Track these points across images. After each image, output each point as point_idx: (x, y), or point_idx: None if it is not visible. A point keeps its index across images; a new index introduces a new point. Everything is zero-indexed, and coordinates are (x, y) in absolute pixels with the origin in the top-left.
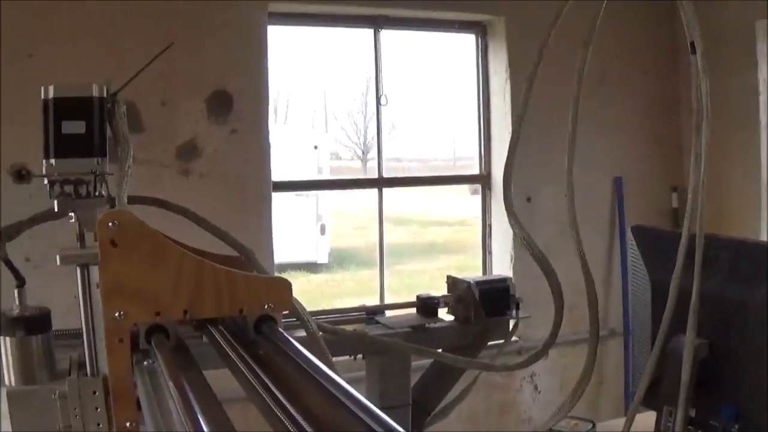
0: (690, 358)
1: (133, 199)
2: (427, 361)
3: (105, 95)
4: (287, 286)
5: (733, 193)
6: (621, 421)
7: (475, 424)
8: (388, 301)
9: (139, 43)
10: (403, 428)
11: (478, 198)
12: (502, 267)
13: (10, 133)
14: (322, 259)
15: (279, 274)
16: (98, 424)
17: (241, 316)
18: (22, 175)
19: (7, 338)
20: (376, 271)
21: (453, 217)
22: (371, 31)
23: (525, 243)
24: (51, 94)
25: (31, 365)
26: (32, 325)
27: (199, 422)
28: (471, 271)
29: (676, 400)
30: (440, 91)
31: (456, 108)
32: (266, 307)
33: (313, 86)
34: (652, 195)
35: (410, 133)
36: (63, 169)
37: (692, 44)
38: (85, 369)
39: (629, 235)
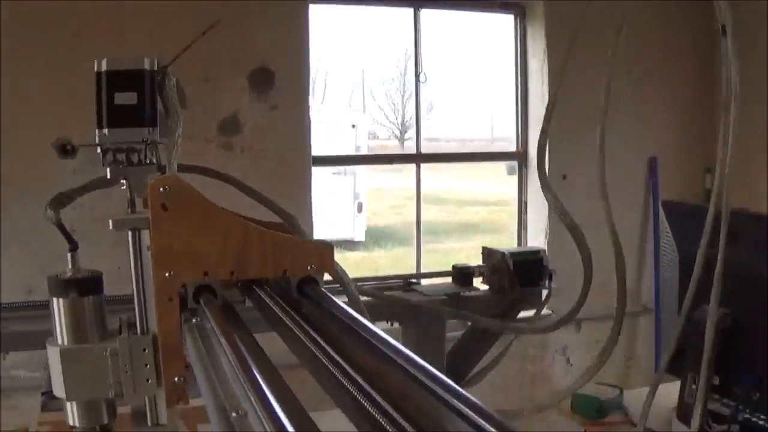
0: (713, 326)
1: (181, 168)
2: (461, 332)
3: (156, 68)
4: (330, 249)
5: (764, 174)
6: (646, 389)
7: (508, 395)
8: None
9: (183, 22)
10: None
11: (515, 178)
12: (537, 243)
13: (53, 110)
14: (359, 236)
15: None
16: (147, 380)
17: (285, 278)
18: (66, 150)
19: (61, 299)
20: (412, 249)
21: (489, 197)
22: (411, 10)
23: (558, 213)
24: (104, 67)
25: (83, 325)
26: (84, 286)
27: (256, 377)
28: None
29: (699, 368)
30: (478, 70)
31: (494, 88)
32: (309, 268)
33: (352, 65)
34: (687, 175)
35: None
36: (115, 138)
37: (723, 27)
38: (135, 328)
39: (661, 211)
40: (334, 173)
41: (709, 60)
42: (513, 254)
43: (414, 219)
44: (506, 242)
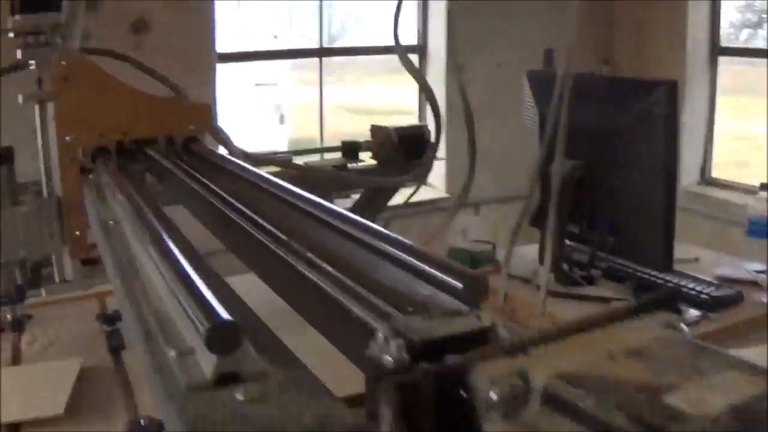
0: (558, 174)
1: (84, 51)
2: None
3: None
4: (209, 108)
5: (661, 63)
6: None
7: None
8: None
9: None
10: None
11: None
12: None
13: None
14: (282, 148)
15: None
16: (53, 236)
17: (170, 138)
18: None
19: None
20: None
21: (392, 106)
22: None
23: (403, 62)
24: None
25: None
26: None
27: (149, 218)
28: None
29: (557, 219)
30: None
31: None
32: (191, 128)
33: None
34: (583, 67)
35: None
36: (26, 22)
37: None
38: (42, 192)
39: (524, 80)
40: (257, 84)
41: None
42: (398, 129)
43: (341, 130)
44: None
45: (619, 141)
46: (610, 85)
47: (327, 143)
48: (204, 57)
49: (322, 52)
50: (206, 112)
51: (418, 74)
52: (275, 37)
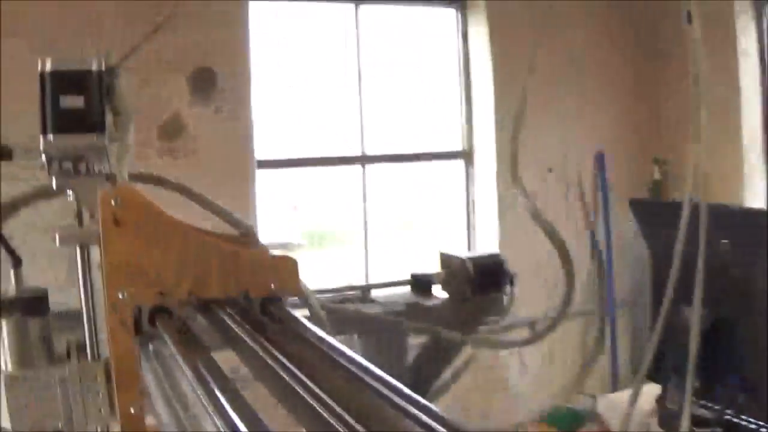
0: (697, 328)
1: (131, 177)
2: (421, 341)
3: (103, 68)
4: (294, 264)
5: (715, 158)
6: (621, 395)
7: (465, 402)
8: (372, 278)
9: (120, 22)
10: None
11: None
12: (487, 243)
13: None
14: (296, 238)
15: None
16: (100, 410)
17: (246, 297)
18: (2, 154)
19: (3, 321)
20: (352, 249)
21: (422, 195)
22: (352, 6)
23: (533, 215)
24: (48, 68)
25: (28, 349)
26: (29, 306)
27: (223, 406)
28: (447, 247)
29: (681, 371)
30: (418, 67)
31: (434, 85)
32: (273, 287)
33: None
34: (634, 168)
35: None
36: (62, 144)
37: (688, 13)
38: (86, 353)
39: (628, 210)
40: (268, 175)
41: (649, 52)
42: (472, 259)
43: (355, 219)
44: (444, 240)
45: (751, 286)
46: (744, 218)
47: (343, 235)
48: (243, 165)
49: (364, 160)
50: (292, 267)
51: (549, 226)
52: (292, 129)
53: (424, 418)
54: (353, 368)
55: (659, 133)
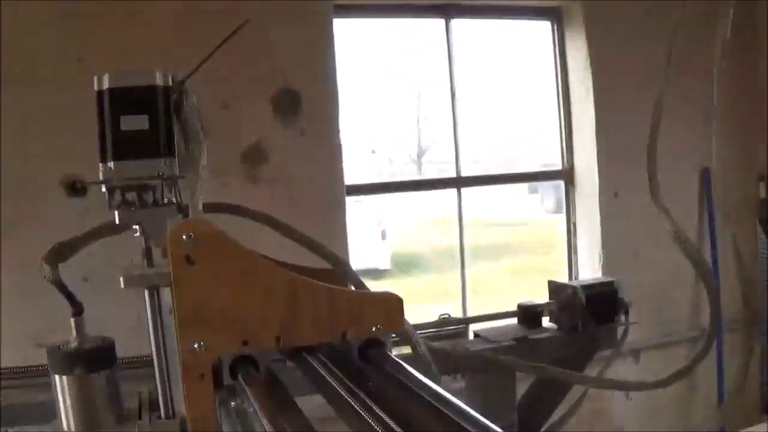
0: None
1: (206, 208)
2: (526, 375)
3: (170, 83)
4: (399, 303)
5: None
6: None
7: None
8: (469, 307)
9: (197, 43)
10: None
11: (536, 197)
12: (589, 266)
13: (61, 144)
14: (384, 265)
15: None
16: None
17: (344, 341)
18: (76, 188)
19: (64, 377)
20: (441, 275)
21: (511, 216)
22: (442, 21)
23: (676, 238)
24: (107, 84)
25: (93, 407)
26: (94, 359)
27: None
28: (541, 272)
29: None
30: (511, 83)
31: (528, 101)
32: (374, 329)
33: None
34: (739, 185)
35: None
36: (124, 173)
37: None
38: (158, 410)
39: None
40: (355, 201)
41: (753, 65)
42: (585, 287)
43: (447, 244)
44: (537, 262)
45: None
46: None
47: (432, 260)
48: (331, 191)
49: (459, 183)
50: (396, 305)
51: (694, 250)
52: (373, 152)
53: None
54: (466, 424)
55: (766, 149)
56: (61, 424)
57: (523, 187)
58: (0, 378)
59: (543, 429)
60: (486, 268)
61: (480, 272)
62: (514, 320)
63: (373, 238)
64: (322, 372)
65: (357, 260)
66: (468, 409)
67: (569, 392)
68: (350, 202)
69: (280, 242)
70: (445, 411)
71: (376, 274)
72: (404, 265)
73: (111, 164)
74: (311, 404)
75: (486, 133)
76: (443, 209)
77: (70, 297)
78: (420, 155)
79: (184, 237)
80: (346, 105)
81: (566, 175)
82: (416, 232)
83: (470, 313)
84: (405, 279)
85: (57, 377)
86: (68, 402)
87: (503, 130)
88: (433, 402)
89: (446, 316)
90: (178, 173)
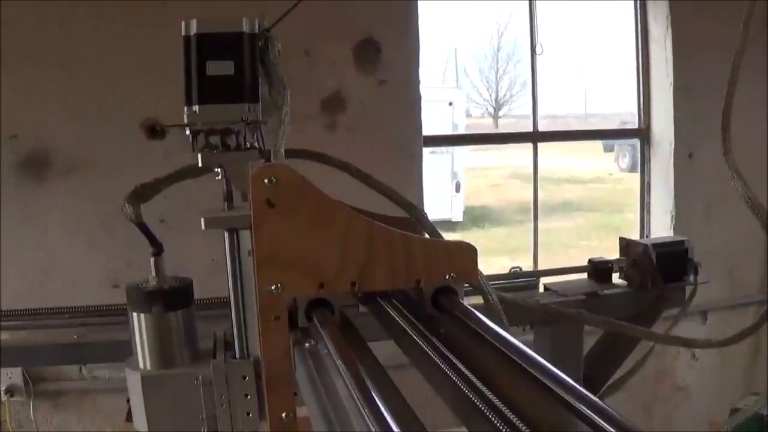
0: None
1: (288, 153)
2: (593, 329)
3: (257, 31)
4: (473, 252)
5: None
6: None
7: (631, 394)
8: (541, 262)
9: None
10: None
11: (611, 155)
12: (661, 226)
13: (140, 87)
14: (457, 217)
15: None
16: (248, 414)
17: (418, 288)
18: (156, 131)
19: (142, 315)
20: (510, 228)
21: (585, 174)
22: None
23: (748, 202)
24: (194, 30)
25: (169, 346)
26: (171, 299)
27: (386, 420)
28: (612, 229)
29: None
30: (590, 42)
31: (598, 60)
32: (448, 277)
33: (444, 40)
34: None
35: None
36: (208, 116)
37: None
38: (233, 349)
39: None
40: (431, 152)
41: None
42: (656, 246)
43: (519, 198)
44: (608, 220)
45: None
46: None
47: (503, 213)
48: (408, 141)
49: (535, 137)
50: (471, 255)
51: (764, 212)
52: (450, 104)
53: (600, 421)
54: (533, 370)
55: None
56: (138, 361)
57: (599, 146)
58: (78, 316)
59: (607, 383)
60: (559, 224)
61: (552, 228)
62: (584, 276)
63: (447, 191)
64: (395, 317)
65: (430, 212)
66: (537, 356)
67: (635, 349)
68: (426, 153)
69: (358, 190)
70: (514, 358)
71: (449, 226)
72: (477, 218)
73: (196, 108)
74: (381, 353)
75: (565, 91)
76: (518, 164)
77: (151, 237)
78: (497, 109)
79: (265, 181)
80: (426, 56)
81: (643, 134)
82: (490, 186)
83: (541, 268)
84: (477, 232)
85: (135, 315)
86: (145, 340)
87: (583, 89)
88: (503, 349)
89: (517, 269)
90: (261, 119)
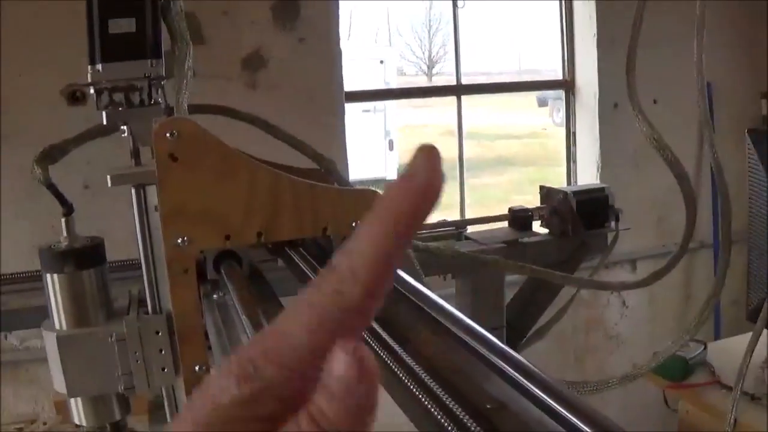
0: None
1: (194, 108)
2: (516, 279)
3: None
4: (378, 197)
5: None
6: (733, 341)
7: (562, 343)
8: (467, 216)
9: None
10: None
11: (545, 110)
12: (588, 176)
13: (60, 54)
14: (391, 175)
15: None
16: (163, 369)
17: (325, 237)
18: (76, 97)
19: (55, 275)
20: (451, 185)
21: (520, 129)
22: None
23: (655, 145)
24: None
25: (83, 304)
26: (83, 258)
27: None
28: (546, 183)
29: None
30: None
31: (526, 15)
32: (354, 224)
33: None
34: (742, 102)
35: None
36: (112, 74)
37: None
38: (146, 306)
39: (747, 139)
40: (363, 111)
41: None
42: (576, 193)
43: (452, 155)
44: (542, 174)
45: None
46: None
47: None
48: (330, 97)
49: (459, 90)
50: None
51: (671, 155)
52: (381, 62)
53: (520, 378)
54: (446, 322)
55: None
56: (53, 322)
57: (534, 102)
58: (0, 284)
59: (531, 331)
60: (494, 180)
61: (488, 184)
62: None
63: (380, 149)
64: (302, 266)
65: (365, 170)
66: (442, 302)
67: (557, 296)
68: (358, 112)
69: (271, 144)
70: (422, 306)
71: (383, 184)
72: None
73: (99, 66)
74: None
75: (499, 48)
76: (452, 121)
77: (60, 198)
78: (431, 67)
79: (168, 135)
80: (358, 17)
81: (568, 85)
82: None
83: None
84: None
85: (48, 276)
86: (59, 300)
87: (516, 45)
88: (411, 297)
89: (443, 221)
90: (164, 75)
